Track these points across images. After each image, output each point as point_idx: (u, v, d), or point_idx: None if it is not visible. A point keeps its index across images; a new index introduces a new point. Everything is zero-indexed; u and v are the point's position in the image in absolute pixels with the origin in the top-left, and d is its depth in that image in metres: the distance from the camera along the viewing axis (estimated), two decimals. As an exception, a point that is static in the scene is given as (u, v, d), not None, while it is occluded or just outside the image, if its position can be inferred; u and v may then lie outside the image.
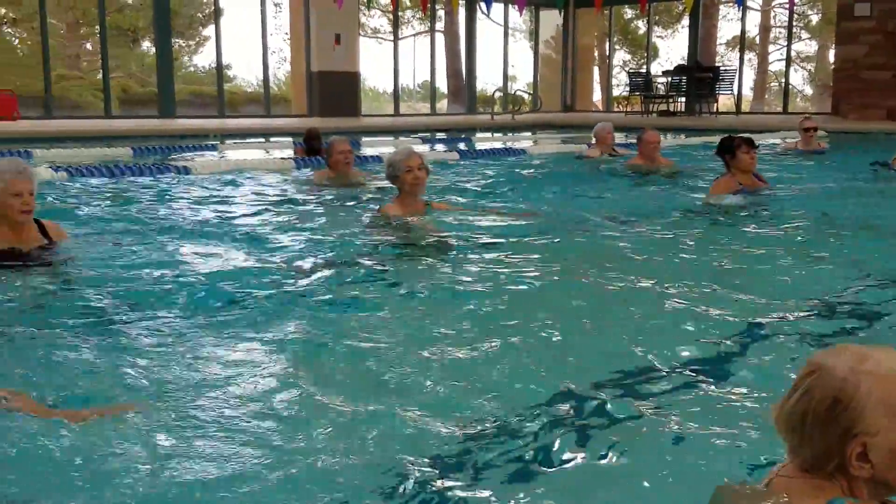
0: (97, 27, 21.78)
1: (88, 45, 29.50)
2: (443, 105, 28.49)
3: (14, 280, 4.46)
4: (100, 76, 21.57)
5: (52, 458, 2.50)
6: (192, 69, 31.74)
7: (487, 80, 28.36)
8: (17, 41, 28.92)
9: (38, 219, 4.88)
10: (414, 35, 32.05)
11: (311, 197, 8.10)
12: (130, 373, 3.24)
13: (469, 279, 4.68)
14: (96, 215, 6.97)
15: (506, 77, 26.27)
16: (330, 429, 2.75)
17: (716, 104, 22.19)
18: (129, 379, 3.18)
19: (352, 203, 7.63)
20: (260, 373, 3.26)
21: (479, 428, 2.77)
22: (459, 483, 2.42)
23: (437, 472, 2.46)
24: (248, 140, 15.92)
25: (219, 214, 7.08)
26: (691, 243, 5.86)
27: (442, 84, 29.14)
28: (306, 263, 5.20)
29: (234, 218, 6.89)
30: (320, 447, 2.62)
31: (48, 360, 3.36)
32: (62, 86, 22.69)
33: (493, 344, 3.55)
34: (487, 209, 6.96)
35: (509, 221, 6.52)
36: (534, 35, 28.18)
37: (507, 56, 26.16)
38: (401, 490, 2.37)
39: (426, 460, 2.53)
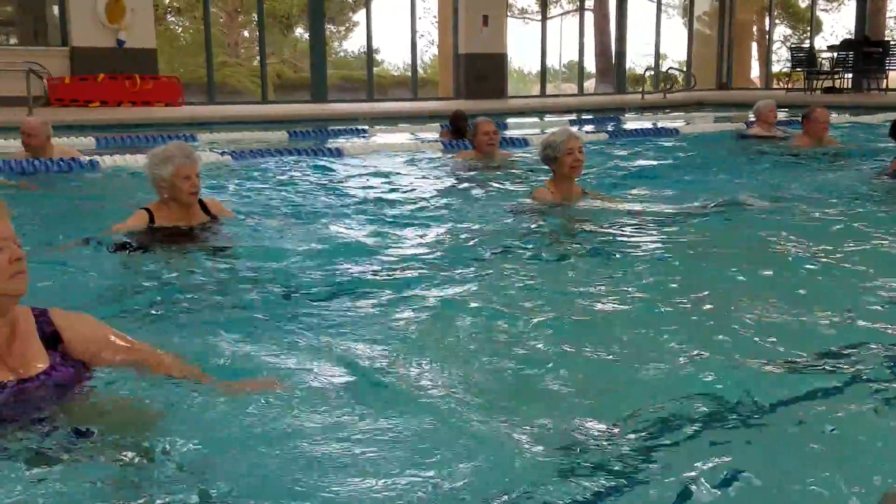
0: (254, 15, 22.55)
1: (245, 33, 30.63)
2: (589, 85, 27.95)
3: (183, 255, 4.66)
4: (256, 62, 22.37)
5: (216, 425, 2.55)
6: (341, 54, 32.44)
7: (637, 59, 27.68)
8: (180, 30, 30.35)
9: (201, 198, 5.09)
10: (562, 14, 31.56)
11: (457, 179, 8.08)
12: (280, 350, 3.27)
13: (625, 272, 4.47)
14: (256, 197, 7.18)
15: (657, 55, 25.51)
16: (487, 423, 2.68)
17: (885, 80, 20.78)
18: (284, 356, 3.21)
19: (497, 185, 7.55)
20: (411, 361, 3.21)
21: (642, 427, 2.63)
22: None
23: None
24: (396, 123, 16.10)
25: (367, 197, 7.16)
26: (868, 230, 5.44)
27: (589, 64, 28.57)
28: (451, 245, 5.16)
29: (382, 200, 6.94)
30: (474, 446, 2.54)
31: (212, 331, 3.45)
32: (223, 72, 23.61)
33: (650, 339, 3.39)
34: (644, 200, 6.65)
35: (663, 209, 6.22)
36: (688, 11, 27.20)
37: (659, 33, 25.39)
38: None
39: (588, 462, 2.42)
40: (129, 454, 2.38)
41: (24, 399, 2.55)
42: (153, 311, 3.79)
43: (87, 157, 8.59)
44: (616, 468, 2.37)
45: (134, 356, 2.82)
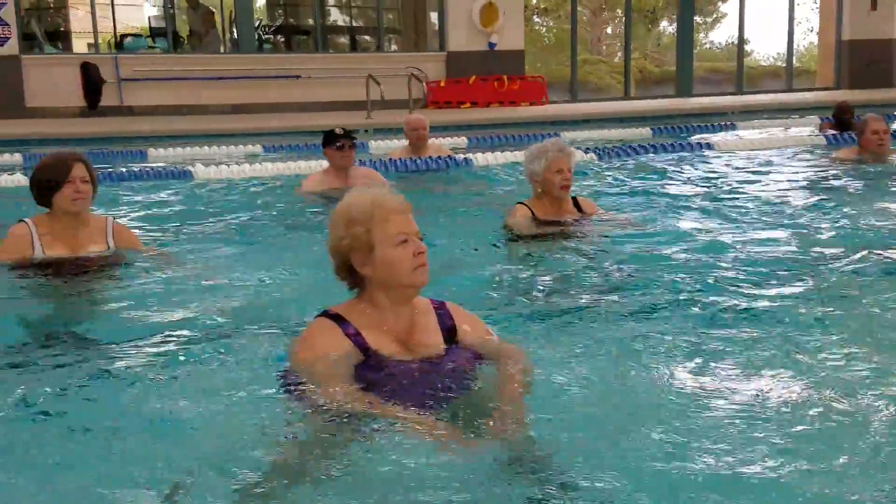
0: (619, 11, 22.43)
1: (608, 30, 30.68)
2: None
3: (556, 247, 4.70)
4: (617, 59, 22.26)
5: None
6: (707, 46, 31.31)
7: None
8: (543, 30, 31.14)
9: (575, 195, 5.15)
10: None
11: (840, 177, 7.31)
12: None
13: None
14: (620, 193, 7.05)
15: None
16: None
17: None
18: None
19: (888, 190, 6.71)
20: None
21: None
22: None
23: None
24: (766, 116, 15.10)
25: (739, 193, 6.72)
26: None
27: None
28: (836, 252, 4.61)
29: (754, 198, 6.49)
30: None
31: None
32: (584, 70, 23.78)
33: None
34: None
35: None
36: None
37: None
38: None
39: None
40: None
41: (421, 380, 2.67)
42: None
43: (462, 156, 9.00)
44: None
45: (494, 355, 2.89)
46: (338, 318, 2.74)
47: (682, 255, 4.62)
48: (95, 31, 16.19)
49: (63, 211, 4.36)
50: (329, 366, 2.64)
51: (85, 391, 2.97)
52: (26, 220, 4.42)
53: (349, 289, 2.85)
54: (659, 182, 7.59)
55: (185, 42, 17.85)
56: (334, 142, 6.67)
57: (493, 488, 2.23)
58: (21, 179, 7.85)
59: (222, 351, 3.28)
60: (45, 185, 4.32)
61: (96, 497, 2.27)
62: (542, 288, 4.13)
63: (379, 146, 10.88)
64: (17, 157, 9.95)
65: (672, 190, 7.20)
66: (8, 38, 14.52)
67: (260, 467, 2.33)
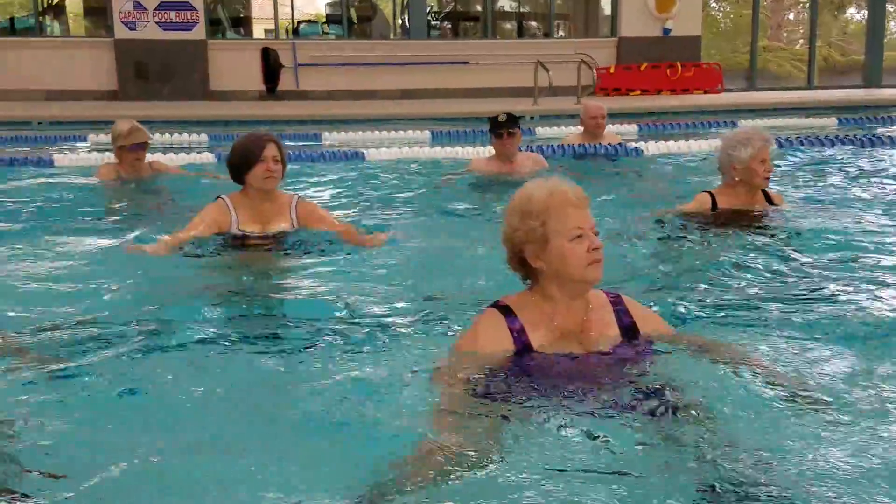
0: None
1: (790, 16, 29.17)
2: None
3: (742, 237, 4.51)
4: (799, 46, 21.13)
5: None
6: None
7: None
8: (720, 15, 29.97)
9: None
10: None
11: None
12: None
13: None
14: (805, 186, 6.67)
15: None
16: None
17: None
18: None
19: None
20: None
21: None
22: None
23: None
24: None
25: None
26: None
27: None
28: None
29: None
30: None
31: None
32: (763, 57, 22.75)
33: None
34: None
35: None
36: None
37: None
38: None
39: None
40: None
41: (590, 374, 2.62)
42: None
43: (633, 144, 8.76)
44: None
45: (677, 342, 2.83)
46: (507, 311, 2.72)
47: (873, 256, 4.28)
48: (276, 18, 16.83)
49: (256, 188, 4.55)
50: (481, 359, 2.64)
51: (277, 362, 3.04)
52: (223, 196, 4.65)
53: (521, 280, 2.81)
54: (848, 177, 7.11)
55: (357, 27, 18.27)
56: (497, 129, 6.62)
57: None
58: (209, 157, 8.25)
59: (396, 328, 3.30)
60: (241, 164, 4.51)
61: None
62: (726, 279, 3.93)
63: (544, 133, 10.78)
64: (204, 138, 10.47)
65: (863, 186, 6.72)
66: (196, 23, 15.29)
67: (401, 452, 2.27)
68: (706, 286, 3.85)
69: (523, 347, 2.67)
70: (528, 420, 2.40)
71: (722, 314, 3.41)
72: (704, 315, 3.38)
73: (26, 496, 2.09)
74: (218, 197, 4.66)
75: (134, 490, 2.19)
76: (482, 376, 2.59)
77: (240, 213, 4.57)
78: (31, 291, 3.94)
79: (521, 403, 2.49)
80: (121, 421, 2.57)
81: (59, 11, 17.39)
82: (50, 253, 4.65)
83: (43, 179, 7.19)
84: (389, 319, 3.44)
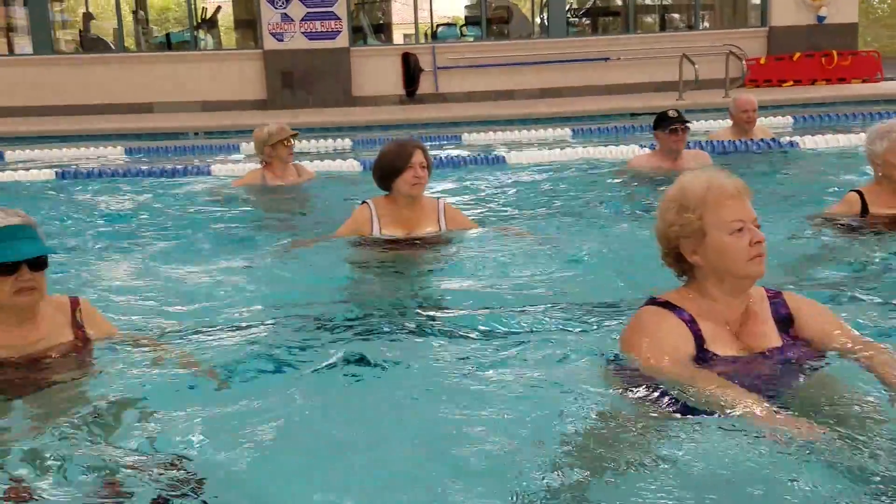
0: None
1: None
2: None
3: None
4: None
5: None
6: None
7: None
8: (876, 1, 28.38)
9: None
10: None
11: None
12: None
13: None
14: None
15: None
16: None
17: None
18: None
19: None
20: None
21: None
22: None
23: None
24: None
25: None
26: None
27: None
28: None
29: None
30: None
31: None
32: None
33: None
34: None
35: None
36: None
37: None
38: None
39: None
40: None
41: (754, 372, 2.54)
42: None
43: (787, 139, 8.36)
44: None
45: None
46: (668, 306, 2.63)
47: None
48: (416, 23, 17.05)
49: (403, 194, 4.61)
50: (668, 350, 2.55)
51: (425, 362, 3.05)
52: (368, 201, 4.73)
53: (677, 276, 2.72)
54: None
55: (496, 28, 18.26)
56: (668, 124, 6.42)
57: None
58: (354, 164, 8.43)
59: (554, 329, 3.26)
60: (388, 171, 4.58)
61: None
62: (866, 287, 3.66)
63: (691, 129, 10.42)
64: (347, 143, 10.71)
65: None
66: (339, 32, 15.68)
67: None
68: (863, 294, 3.60)
69: (697, 337, 2.57)
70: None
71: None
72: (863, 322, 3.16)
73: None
74: (363, 202, 4.74)
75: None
76: (673, 366, 2.53)
77: (383, 218, 4.63)
78: (191, 293, 4.12)
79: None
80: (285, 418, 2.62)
81: (211, 25, 18.20)
82: (209, 257, 4.86)
83: (201, 187, 7.52)
84: (551, 320, 3.41)
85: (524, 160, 8.58)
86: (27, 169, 8.72)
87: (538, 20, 18.80)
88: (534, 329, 3.30)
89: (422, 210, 4.71)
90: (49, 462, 2.32)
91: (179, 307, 3.87)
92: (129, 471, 2.28)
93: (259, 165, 6.87)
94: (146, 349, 3.13)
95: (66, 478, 2.26)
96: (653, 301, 2.68)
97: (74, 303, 3.09)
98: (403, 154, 4.52)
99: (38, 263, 2.85)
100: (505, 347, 3.12)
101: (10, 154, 10.20)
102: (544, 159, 8.58)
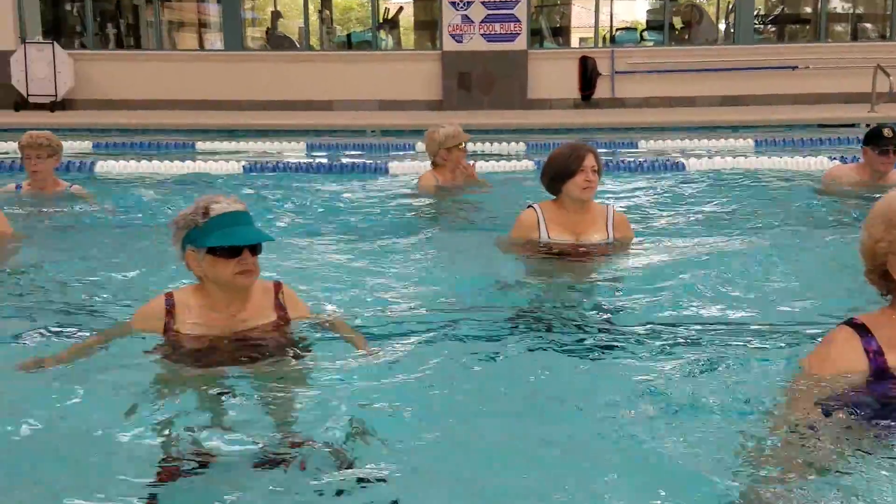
0: None
1: None
2: None
3: None
4: None
5: None
6: None
7: None
8: None
9: None
10: None
11: None
12: None
13: None
14: None
15: None
16: None
17: None
18: None
19: None
20: None
21: None
22: None
23: None
24: None
25: None
26: None
27: None
28: None
29: None
30: None
31: None
32: None
33: None
34: None
35: None
36: None
37: None
38: None
39: None
40: None
41: None
42: None
43: None
44: None
45: None
46: (862, 329, 2.47)
47: None
48: (597, 27, 16.81)
49: (572, 198, 4.50)
50: (834, 381, 2.45)
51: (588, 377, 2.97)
52: (534, 205, 4.65)
53: (881, 295, 2.55)
54: None
55: (677, 33, 17.77)
56: (881, 144, 6.01)
57: None
58: (528, 165, 8.38)
59: (741, 345, 3.16)
60: (559, 174, 4.48)
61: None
62: None
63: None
64: (521, 146, 10.66)
65: None
66: (518, 34, 15.67)
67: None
68: None
69: (879, 370, 2.42)
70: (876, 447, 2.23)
71: None
72: None
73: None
74: (529, 206, 4.66)
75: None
76: (833, 398, 2.42)
77: (550, 223, 4.54)
78: (362, 284, 4.25)
79: (871, 429, 2.32)
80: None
81: (393, 25, 18.62)
82: (382, 251, 4.96)
83: (377, 184, 7.68)
84: (740, 336, 3.27)
85: (705, 167, 8.27)
86: (216, 161, 9.16)
87: (722, 26, 18.17)
88: (727, 344, 3.15)
89: (590, 215, 4.60)
90: (252, 432, 2.57)
91: (349, 295, 4.01)
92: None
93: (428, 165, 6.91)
94: (336, 331, 3.34)
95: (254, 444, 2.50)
96: (850, 322, 2.53)
97: (277, 286, 3.29)
98: (575, 157, 4.41)
99: (256, 248, 3.06)
100: (696, 363, 3.00)
101: (201, 145, 10.77)
102: (727, 167, 8.24)
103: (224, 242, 2.97)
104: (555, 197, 4.58)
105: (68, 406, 2.72)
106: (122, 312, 3.62)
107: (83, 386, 2.84)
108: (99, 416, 2.66)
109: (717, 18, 18.44)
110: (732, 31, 16.85)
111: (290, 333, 3.20)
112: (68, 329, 3.56)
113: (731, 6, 17.12)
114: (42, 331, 3.50)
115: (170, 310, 3.11)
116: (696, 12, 17.71)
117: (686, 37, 17.60)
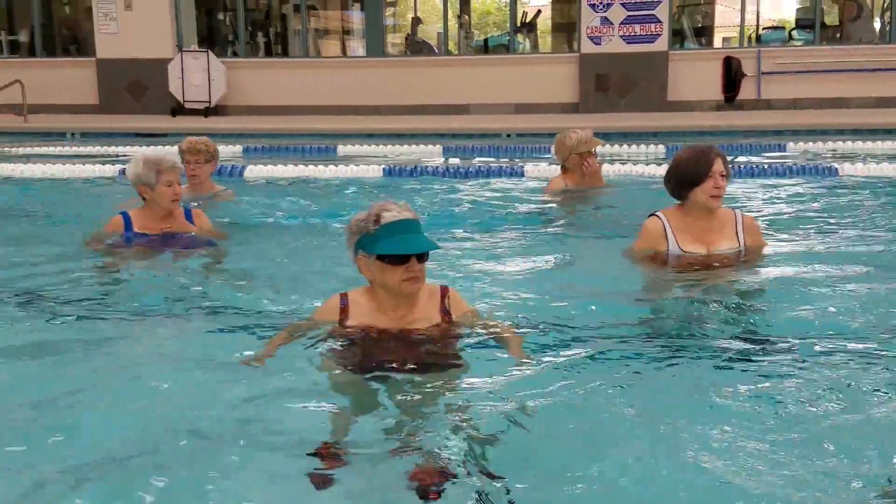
0: None
1: None
2: None
3: None
4: None
5: None
6: None
7: None
8: None
9: None
10: None
11: None
12: None
13: None
14: None
15: None
16: None
17: None
18: None
19: None
20: None
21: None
22: None
23: None
24: None
25: None
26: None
27: None
28: None
29: None
30: None
31: None
32: None
33: None
34: None
35: None
36: None
37: None
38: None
39: None
40: None
41: None
42: None
43: None
44: None
45: None
46: None
47: None
48: (742, 26, 16.23)
49: (700, 205, 4.29)
50: None
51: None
52: (658, 213, 4.44)
53: None
54: None
55: (829, 31, 16.92)
56: None
57: None
58: (656, 170, 8.19)
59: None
60: (687, 179, 4.27)
61: None
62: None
63: None
64: (661, 148, 10.42)
65: None
66: (659, 35, 15.32)
67: None
68: None
69: None
70: None
71: None
72: None
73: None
74: (652, 214, 4.45)
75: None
76: None
77: (679, 233, 4.32)
78: (496, 286, 4.26)
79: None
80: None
81: (530, 29, 18.55)
82: (518, 254, 4.94)
83: (513, 187, 7.66)
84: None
85: (860, 173, 7.84)
86: (357, 165, 9.37)
87: (877, 24, 17.21)
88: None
89: (718, 221, 4.35)
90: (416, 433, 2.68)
91: (487, 301, 3.98)
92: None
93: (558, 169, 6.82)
94: (499, 334, 3.39)
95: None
96: None
97: (444, 290, 3.38)
98: (704, 162, 4.19)
99: (424, 256, 3.16)
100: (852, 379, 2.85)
101: (342, 149, 11.05)
102: (884, 173, 7.78)
103: (393, 250, 3.08)
104: (679, 202, 4.38)
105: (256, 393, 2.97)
106: (301, 309, 3.79)
107: (274, 377, 3.09)
108: (268, 403, 2.90)
109: (872, 15, 17.44)
110: (888, 28, 15.94)
111: (452, 337, 3.28)
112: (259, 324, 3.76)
113: (886, 3, 16.17)
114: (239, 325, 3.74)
115: (344, 308, 3.27)
116: (857, 6, 16.77)
117: (839, 35, 16.74)
